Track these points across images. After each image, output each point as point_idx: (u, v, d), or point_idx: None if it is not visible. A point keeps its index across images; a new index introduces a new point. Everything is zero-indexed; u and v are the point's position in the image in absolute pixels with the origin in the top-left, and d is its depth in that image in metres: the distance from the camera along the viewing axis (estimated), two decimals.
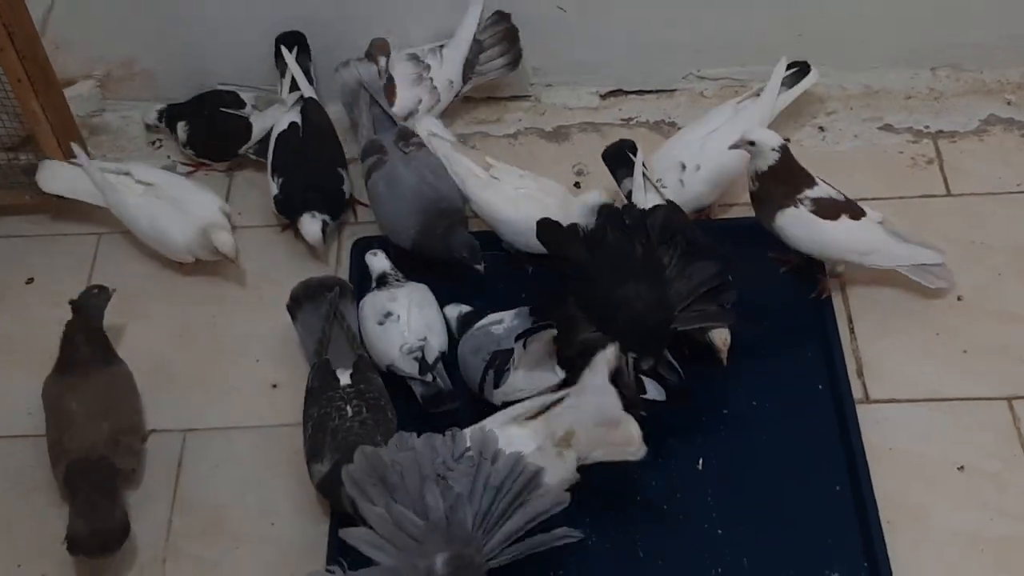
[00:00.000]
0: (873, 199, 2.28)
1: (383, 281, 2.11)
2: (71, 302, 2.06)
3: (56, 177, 2.29)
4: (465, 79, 2.39)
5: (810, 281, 2.14)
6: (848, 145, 2.41)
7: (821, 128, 2.44)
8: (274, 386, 2.13)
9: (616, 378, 1.81)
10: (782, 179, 2.04)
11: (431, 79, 2.35)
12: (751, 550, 1.86)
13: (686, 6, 2.39)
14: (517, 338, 1.90)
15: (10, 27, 2.11)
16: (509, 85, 2.53)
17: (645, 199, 2.14)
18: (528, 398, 1.86)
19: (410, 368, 2.00)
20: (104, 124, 2.58)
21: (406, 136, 2.23)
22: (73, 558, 1.87)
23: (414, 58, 2.37)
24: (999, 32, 2.43)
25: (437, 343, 2.04)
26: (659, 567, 1.86)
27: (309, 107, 2.34)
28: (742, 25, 2.40)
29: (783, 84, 2.27)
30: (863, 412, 1.98)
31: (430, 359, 2.00)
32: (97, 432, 1.95)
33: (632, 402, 1.81)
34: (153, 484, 2.02)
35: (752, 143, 2.04)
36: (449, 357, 2.04)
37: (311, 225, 2.23)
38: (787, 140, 2.08)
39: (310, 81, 2.38)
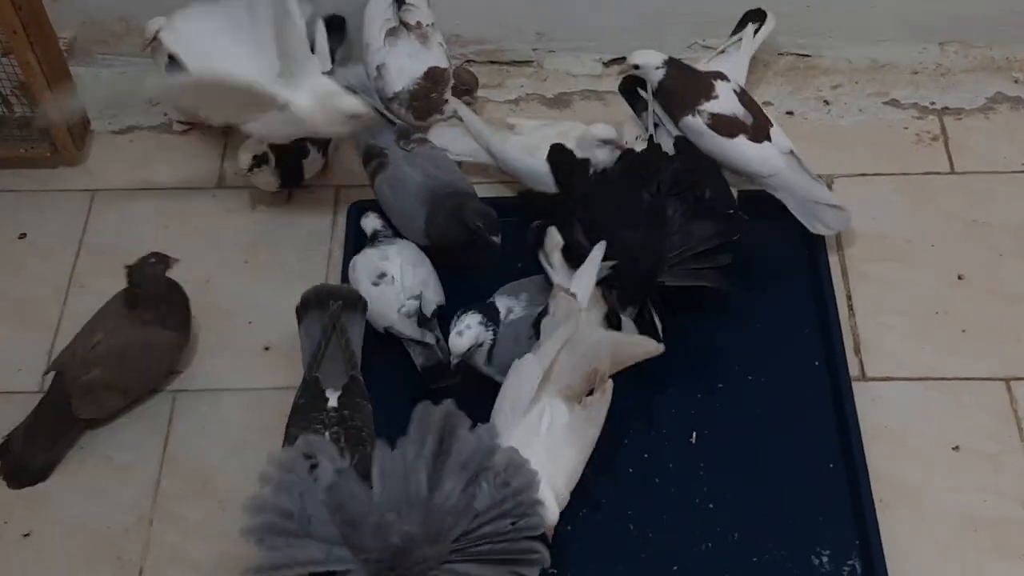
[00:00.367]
0: (875, 174, 2.28)
1: (374, 238, 2.08)
2: (126, 268, 2.03)
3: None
4: None
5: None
6: (852, 119, 2.39)
7: (826, 101, 2.41)
8: (266, 348, 2.12)
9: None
10: (679, 91, 2.11)
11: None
12: (742, 525, 1.85)
13: None
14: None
15: None
16: (512, 50, 2.50)
17: (656, 134, 2.17)
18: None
19: (410, 330, 1.98)
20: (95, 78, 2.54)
21: (406, 134, 2.19)
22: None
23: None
24: (1010, 8, 2.40)
25: (434, 297, 2.02)
26: (649, 539, 1.85)
27: None
28: None
29: (743, 37, 2.28)
30: (859, 389, 1.97)
31: (428, 311, 1.99)
32: (83, 370, 1.96)
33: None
34: (143, 444, 2.01)
35: (637, 66, 2.12)
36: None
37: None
38: (767, 103, 2.17)
39: (332, 61, 2.31)
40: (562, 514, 1.73)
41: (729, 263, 1.96)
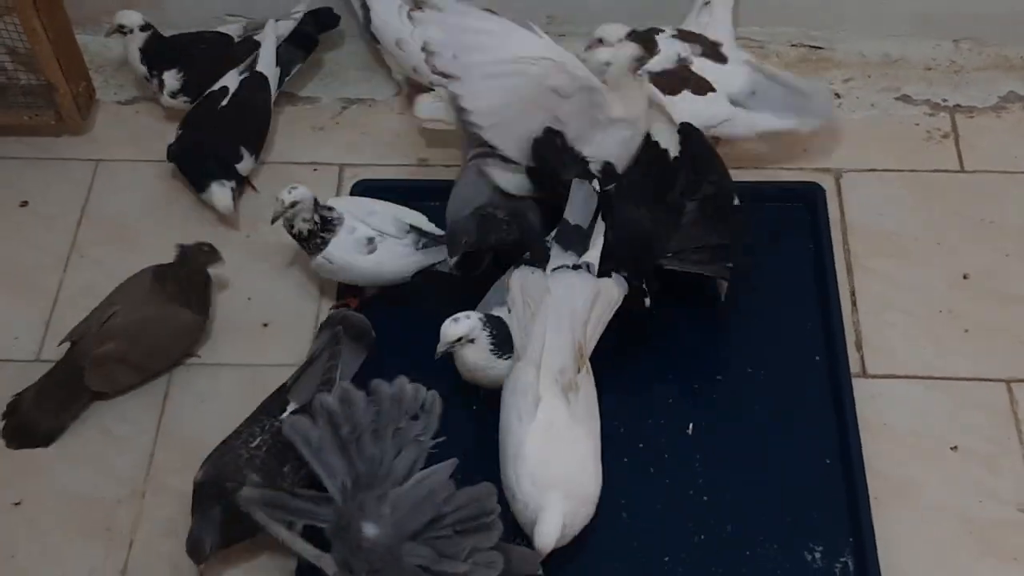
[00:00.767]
0: (884, 170, 2.26)
1: (328, 225, 2.00)
2: (179, 247, 2.03)
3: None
4: None
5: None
6: (864, 114, 2.37)
7: (837, 95, 2.39)
8: (264, 325, 2.11)
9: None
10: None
11: None
12: (735, 519, 1.84)
13: None
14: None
15: None
16: None
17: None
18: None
19: (434, 256, 1.99)
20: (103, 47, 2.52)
21: None
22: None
23: None
24: None
25: (414, 218, 2.03)
26: (642, 529, 1.84)
27: (250, 81, 2.28)
28: None
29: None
30: (859, 386, 1.96)
31: (425, 227, 2.02)
32: (98, 343, 1.95)
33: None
34: (139, 417, 2.01)
35: (600, 40, 2.10)
36: None
37: (221, 192, 2.18)
38: None
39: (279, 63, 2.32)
40: None
41: (733, 268, 1.94)
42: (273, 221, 1.97)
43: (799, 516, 1.84)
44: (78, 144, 2.36)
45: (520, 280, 1.85)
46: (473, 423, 1.92)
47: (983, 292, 2.09)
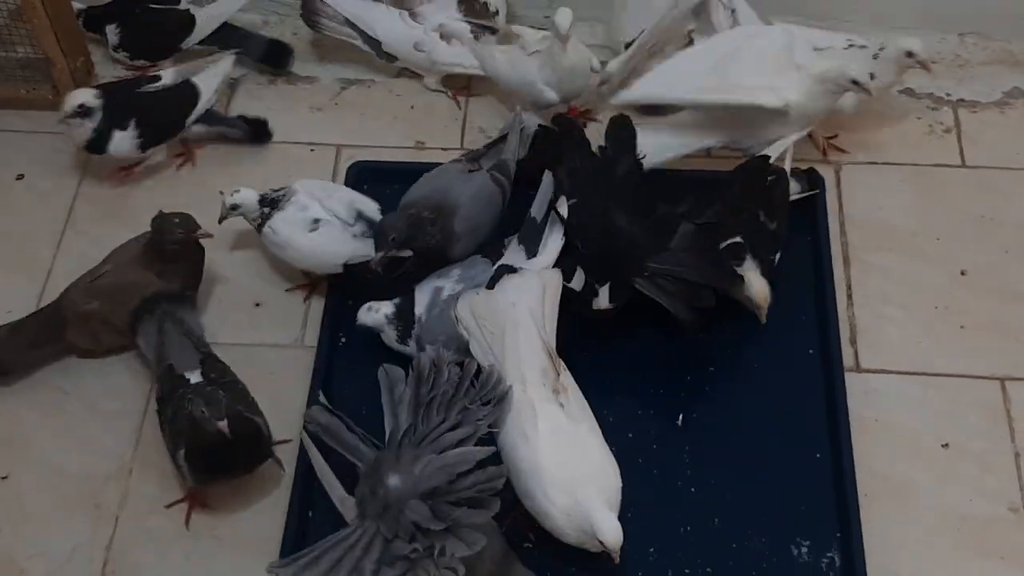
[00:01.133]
0: (885, 163, 2.25)
1: (274, 203, 2.02)
2: (154, 218, 2.02)
3: None
4: None
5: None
6: (865, 106, 2.34)
7: None
8: (257, 305, 2.11)
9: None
10: None
11: None
12: (722, 511, 1.83)
13: None
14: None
15: None
16: (524, 16, 2.47)
17: None
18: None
19: (366, 247, 1.98)
20: None
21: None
22: None
23: None
24: None
25: (367, 206, 2.04)
26: (628, 519, 1.80)
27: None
28: None
29: None
30: (852, 381, 1.95)
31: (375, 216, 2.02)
32: (83, 300, 1.96)
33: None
34: (128, 392, 2.00)
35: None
36: None
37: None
38: None
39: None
40: None
41: (711, 305, 1.88)
42: (220, 221, 2.03)
43: (787, 510, 1.83)
44: None
45: (468, 307, 1.82)
46: None
47: (981, 289, 2.08)
